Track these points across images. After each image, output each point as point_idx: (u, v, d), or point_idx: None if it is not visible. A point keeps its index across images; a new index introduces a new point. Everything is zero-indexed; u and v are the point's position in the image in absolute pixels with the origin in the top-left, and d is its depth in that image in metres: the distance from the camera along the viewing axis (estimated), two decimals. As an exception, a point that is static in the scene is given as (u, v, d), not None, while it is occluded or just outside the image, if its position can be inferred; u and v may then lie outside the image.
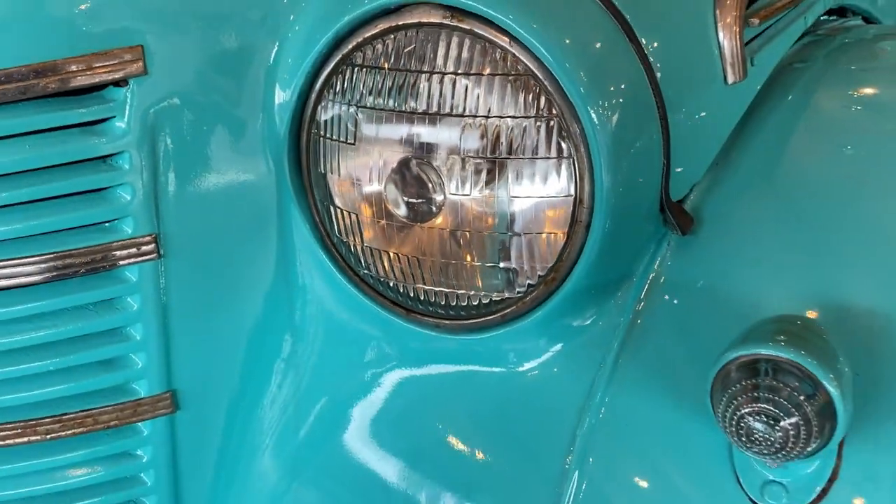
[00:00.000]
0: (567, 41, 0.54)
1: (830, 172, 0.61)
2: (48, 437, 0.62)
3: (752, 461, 0.47)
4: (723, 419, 0.43)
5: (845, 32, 0.85)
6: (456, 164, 0.56)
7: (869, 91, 0.71)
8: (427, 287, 0.59)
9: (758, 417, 0.42)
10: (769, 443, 0.42)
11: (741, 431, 0.43)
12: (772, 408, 0.41)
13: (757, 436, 0.42)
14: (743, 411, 0.42)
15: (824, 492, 0.46)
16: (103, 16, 0.56)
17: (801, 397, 0.41)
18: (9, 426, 0.61)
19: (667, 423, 0.52)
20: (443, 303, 0.60)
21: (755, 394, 0.41)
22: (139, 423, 0.63)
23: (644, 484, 0.52)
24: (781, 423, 0.41)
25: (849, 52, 0.79)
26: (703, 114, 0.59)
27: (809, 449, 0.42)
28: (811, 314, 0.49)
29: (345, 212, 0.61)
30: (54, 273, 0.58)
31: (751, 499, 0.48)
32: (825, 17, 0.94)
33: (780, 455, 0.42)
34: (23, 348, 0.60)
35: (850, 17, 0.96)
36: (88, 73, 0.56)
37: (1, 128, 0.56)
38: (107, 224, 0.59)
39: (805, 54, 0.75)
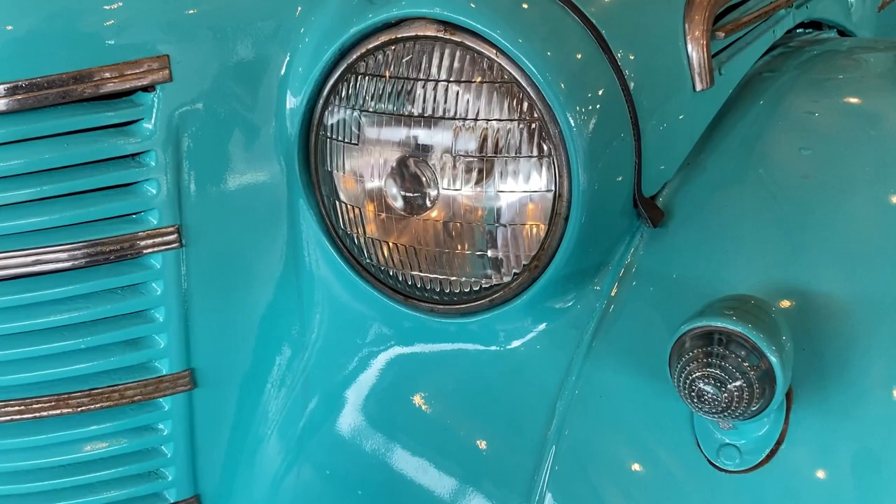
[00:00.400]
0: (548, 53, 0.60)
1: (791, 173, 0.67)
2: (79, 409, 0.68)
3: (710, 427, 0.53)
4: (678, 382, 0.49)
5: (818, 45, 0.91)
6: (448, 162, 0.62)
7: (834, 98, 0.77)
8: (423, 274, 0.65)
9: (707, 381, 0.47)
10: (717, 402, 0.48)
11: (693, 393, 0.48)
12: (720, 372, 0.47)
13: (707, 397, 0.48)
14: (695, 375, 0.48)
15: (772, 452, 0.51)
16: (133, 29, 0.63)
17: (746, 364, 0.47)
18: (44, 399, 0.67)
19: (636, 396, 0.58)
20: (437, 289, 0.66)
21: (707, 360, 0.47)
22: (161, 399, 0.69)
23: (615, 450, 0.58)
24: (728, 386, 0.47)
25: (819, 62, 0.85)
26: (673, 119, 0.65)
27: (753, 409, 0.47)
28: (764, 295, 0.55)
29: (349, 206, 0.67)
30: (86, 259, 0.64)
31: (708, 460, 0.53)
32: (801, 31, 1.01)
33: (727, 414, 0.48)
34: (57, 328, 0.66)
35: (825, 31, 1.02)
36: (119, 79, 0.62)
37: (41, 128, 0.62)
38: (134, 216, 0.65)
39: (775, 64, 0.81)
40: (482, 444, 0.64)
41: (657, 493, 0.55)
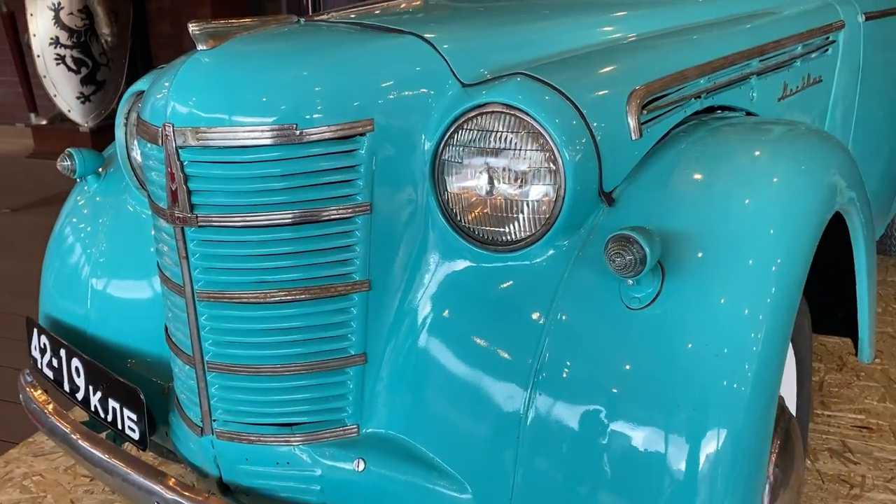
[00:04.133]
0: (556, 121, 1.24)
1: (686, 180, 1.29)
2: (304, 297, 1.29)
3: (625, 286, 1.14)
4: (606, 259, 1.10)
5: (722, 119, 1.54)
6: (505, 174, 1.26)
7: (717, 144, 1.39)
8: (489, 228, 1.28)
9: (617, 255, 1.08)
10: (622, 267, 1.09)
11: (613, 263, 1.09)
12: (623, 251, 1.08)
13: (617, 263, 1.09)
14: (612, 253, 1.09)
15: (656, 296, 1.12)
16: (350, 97, 1.27)
17: (635, 248, 1.08)
18: (280, 291, 1.28)
19: (596, 280, 1.19)
20: (499, 240, 1.29)
21: (617, 245, 1.08)
22: (353, 294, 1.31)
23: (578, 316, 1.19)
24: (626, 258, 1.08)
25: (715, 125, 1.47)
26: (620, 153, 1.29)
27: (639, 269, 1.08)
28: (655, 228, 1.16)
29: (453, 195, 1.30)
30: (303, 221, 1.26)
31: (625, 304, 1.14)
32: (721, 113, 1.63)
33: (628, 272, 1.08)
34: (293, 253, 1.27)
35: (736, 112, 1.65)
36: (343, 129, 1.27)
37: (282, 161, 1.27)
38: (348, 196, 1.28)
39: (688, 128, 1.44)
40: (503, 329, 1.24)
41: (605, 325, 1.16)
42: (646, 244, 1.07)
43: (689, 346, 1.13)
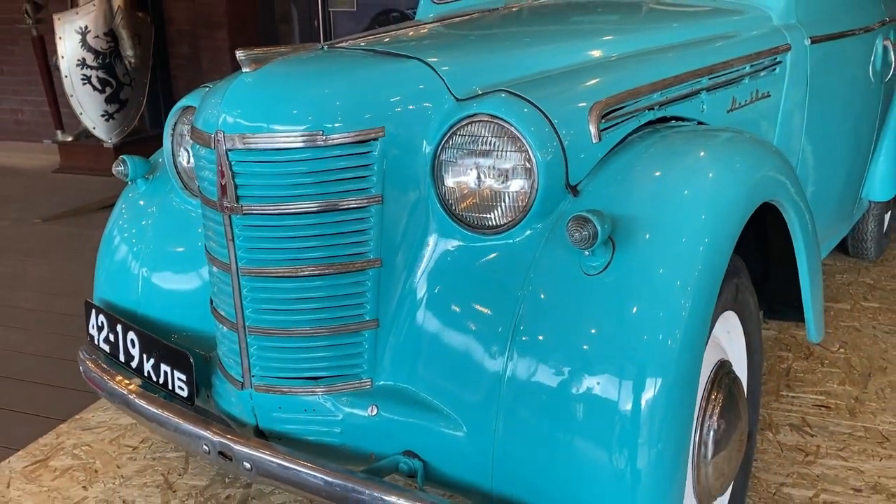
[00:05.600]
0: (532, 129, 1.54)
1: (641, 175, 1.59)
2: (324, 272, 1.59)
3: (583, 256, 1.43)
4: (567, 234, 1.39)
5: (674, 127, 1.84)
6: (492, 171, 1.56)
7: (664, 146, 1.69)
8: (477, 215, 1.58)
9: (576, 231, 1.38)
10: (579, 240, 1.38)
11: (572, 238, 1.39)
12: (581, 228, 1.38)
13: (575, 237, 1.38)
14: (572, 229, 1.38)
15: (607, 265, 1.42)
16: (365, 110, 1.57)
17: (584, 224, 1.37)
18: (311, 266, 1.58)
19: (560, 258, 1.49)
20: (485, 224, 1.59)
21: (575, 223, 1.39)
22: (367, 270, 1.61)
23: (547, 283, 1.48)
24: (583, 233, 1.38)
25: (666, 132, 1.77)
26: (583, 153, 1.59)
27: (593, 245, 1.37)
28: (607, 213, 1.45)
29: (448, 189, 1.60)
30: (327, 210, 1.57)
31: (583, 271, 1.44)
32: (674, 122, 1.93)
33: (584, 245, 1.38)
34: (315, 236, 1.58)
35: (689, 122, 1.95)
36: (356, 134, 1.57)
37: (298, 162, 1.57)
38: (363, 190, 1.58)
39: (643, 134, 1.74)
40: (488, 293, 1.54)
41: (567, 289, 1.45)
42: (598, 222, 1.37)
43: (634, 309, 1.42)
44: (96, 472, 2.42)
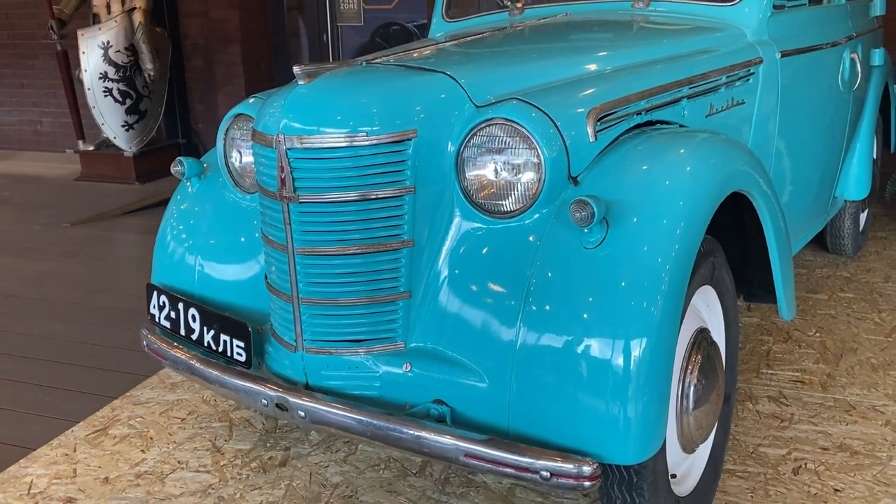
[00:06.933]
0: (540, 130, 1.85)
1: (631, 168, 1.90)
2: (366, 251, 1.90)
3: (583, 233, 1.74)
4: (569, 214, 1.71)
5: (659, 129, 2.15)
6: (506, 167, 1.88)
7: (653, 147, 2.01)
8: (493, 202, 1.90)
9: (577, 213, 1.68)
10: (579, 220, 1.69)
11: (574, 217, 1.70)
12: (581, 210, 1.68)
13: (576, 217, 1.69)
14: (574, 211, 1.69)
15: (602, 241, 1.72)
16: (401, 115, 1.89)
17: (588, 207, 1.68)
18: (348, 246, 1.89)
19: (564, 236, 1.79)
20: (500, 210, 1.90)
21: (576, 207, 1.69)
22: (403, 249, 1.91)
23: (553, 257, 1.79)
24: (584, 213, 1.69)
25: (655, 134, 2.09)
26: (582, 151, 1.90)
27: (591, 223, 1.68)
28: (602, 198, 1.76)
29: (470, 179, 1.92)
30: (369, 198, 1.89)
31: (583, 246, 1.75)
32: (660, 125, 2.25)
33: (583, 223, 1.69)
34: (355, 229, 1.90)
35: (672, 125, 2.26)
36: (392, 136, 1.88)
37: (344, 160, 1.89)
38: (398, 196, 1.90)
39: (634, 134, 2.06)
40: (504, 269, 1.86)
41: (569, 261, 1.76)
42: (595, 205, 1.69)
43: (623, 279, 1.72)
44: (151, 438, 2.73)
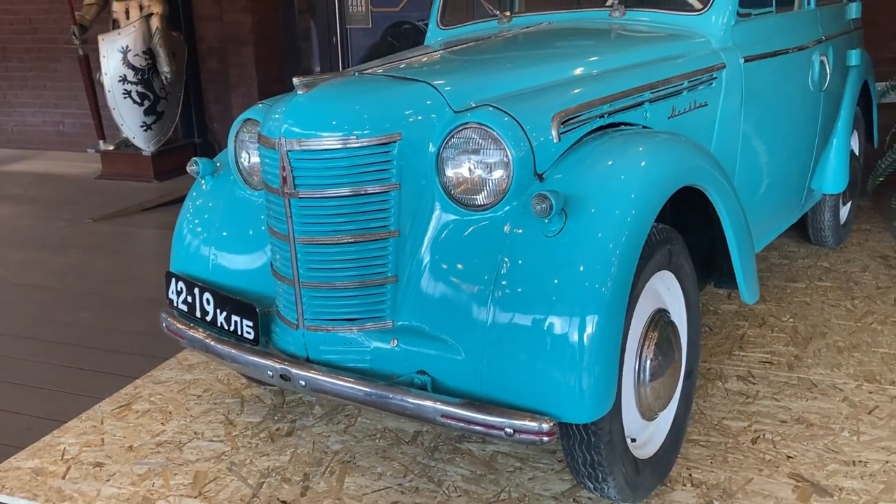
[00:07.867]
0: (509, 133, 2.11)
1: (596, 162, 2.15)
2: (358, 240, 2.16)
3: (545, 223, 1.99)
4: (531, 206, 1.96)
5: (620, 130, 2.40)
6: (475, 164, 2.13)
7: (611, 146, 2.25)
8: (469, 196, 2.15)
9: (538, 205, 1.94)
10: (540, 211, 1.94)
11: (535, 209, 1.95)
12: (541, 203, 1.94)
13: (537, 209, 1.94)
14: (535, 204, 1.94)
15: (561, 230, 1.98)
16: (387, 120, 2.15)
17: (547, 200, 1.93)
18: (343, 235, 2.16)
19: (529, 226, 2.05)
20: (475, 203, 2.16)
21: (537, 199, 1.94)
22: (389, 238, 2.18)
23: (519, 245, 2.04)
24: (543, 205, 1.93)
25: (614, 134, 2.34)
26: (548, 151, 2.15)
27: (550, 213, 1.94)
28: (562, 192, 2.01)
29: (448, 176, 2.17)
30: (359, 194, 2.15)
31: (544, 234, 2.00)
32: (623, 126, 2.49)
33: (543, 214, 1.94)
34: (347, 222, 2.16)
35: (635, 126, 2.51)
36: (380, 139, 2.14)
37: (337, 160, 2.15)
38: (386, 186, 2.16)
39: (596, 135, 2.30)
40: (479, 254, 2.11)
41: (533, 249, 2.01)
42: (553, 198, 1.94)
43: (579, 263, 1.97)
44: (170, 412, 3.01)
